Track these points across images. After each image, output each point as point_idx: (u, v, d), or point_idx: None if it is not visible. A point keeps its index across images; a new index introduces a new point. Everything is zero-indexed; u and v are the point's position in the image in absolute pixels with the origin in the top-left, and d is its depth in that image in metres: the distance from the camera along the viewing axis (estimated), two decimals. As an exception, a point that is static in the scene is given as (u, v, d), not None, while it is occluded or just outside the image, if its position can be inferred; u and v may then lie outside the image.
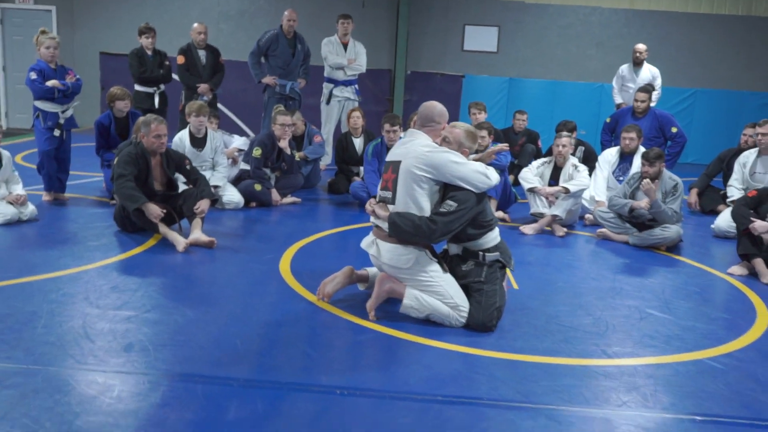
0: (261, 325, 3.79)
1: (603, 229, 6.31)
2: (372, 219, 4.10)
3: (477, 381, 3.26)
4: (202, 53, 8.32)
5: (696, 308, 4.53)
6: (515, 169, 8.05)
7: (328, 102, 8.90)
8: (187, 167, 5.64)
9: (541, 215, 6.45)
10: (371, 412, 2.89)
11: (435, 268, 3.94)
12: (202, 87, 8.21)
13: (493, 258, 4.04)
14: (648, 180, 6.02)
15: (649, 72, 9.42)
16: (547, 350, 3.68)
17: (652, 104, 9.27)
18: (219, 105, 8.99)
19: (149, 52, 8.11)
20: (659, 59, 11.99)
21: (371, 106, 11.93)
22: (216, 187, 6.56)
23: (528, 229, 6.38)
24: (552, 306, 4.41)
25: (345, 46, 8.89)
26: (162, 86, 8.20)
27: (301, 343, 3.59)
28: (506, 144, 5.15)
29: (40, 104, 6.33)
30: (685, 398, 3.19)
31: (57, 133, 6.37)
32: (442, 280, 3.92)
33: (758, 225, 5.25)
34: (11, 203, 5.64)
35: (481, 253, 4.05)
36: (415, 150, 3.92)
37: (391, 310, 4.08)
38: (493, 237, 4.08)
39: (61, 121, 6.40)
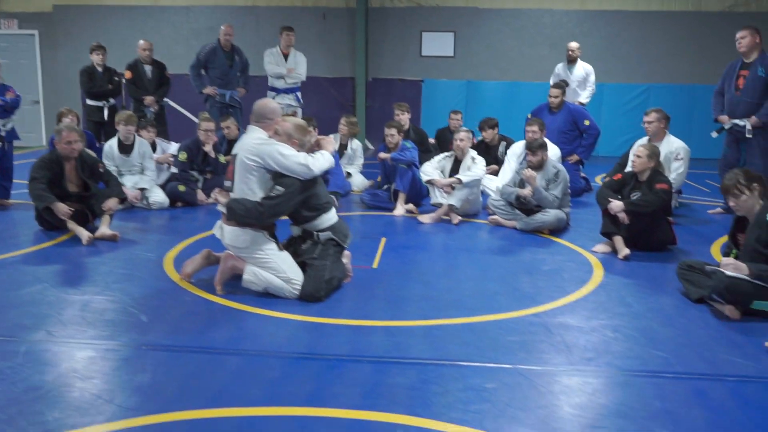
0: (121, 297, 4.34)
1: (494, 216, 6.74)
2: (218, 206, 4.62)
3: (294, 339, 3.76)
4: (148, 68, 8.97)
5: (532, 277, 4.95)
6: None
7: (271, 109, 9.44)
8: (101, 170, 6.23)
9: (440, 205, 6.89)
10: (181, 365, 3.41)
11: (271, 246, 4.45)
12: (148, 99, 8.84)
13: (326, 237, 4.54)
14: (528, 169, 6.45)
15: (582, 69, 9.79)
16: (364, 315, 4.13)
17: (585, 101, 9.70)
18: (187, 114, 9.51)
19: (99, 69, 8.79)
20: (612, 57, 12.37)
21: (335, 113, 12.42)
22: (143, 189, 7.16)
23: (426, 218, 6.84)
24: (397, 280, 4.87)
25: (286, 56, 9.44)
26: (111, 100, 8.85)
27: (145, 311, 4.12)
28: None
29: (-19, 119, 6.99)
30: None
31: (-1, 145, 7.03)
32: (276, 257, 4.43)
33: (613, 205, 5.64)
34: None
35: (315, 233, 4.55)
36: (248, 143, 4.45)
37: (237, 284, 4.58)
38: (328, 218, 4.58)
39: (2, 133, 7.06)
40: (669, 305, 4.44)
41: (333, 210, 4.65)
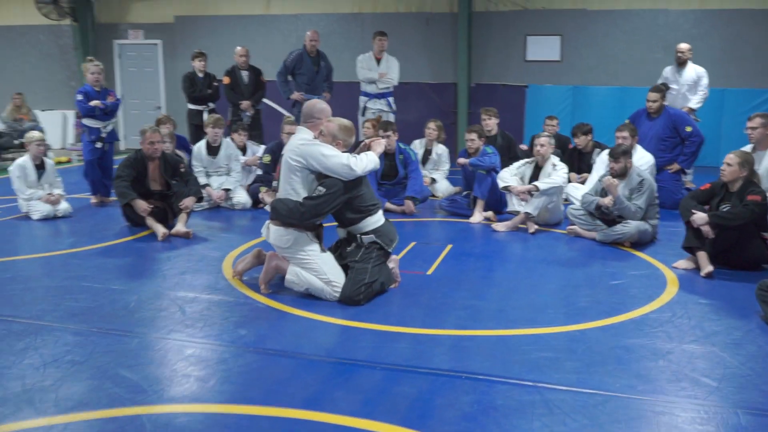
0: (176, 292, 4.49)
1: (573, 226, 6.38)
2: (265, 206, 4.68)
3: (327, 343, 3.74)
4: (244, 73, 9.30)
5: (594, 291, 4.61)
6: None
7: (362, 114, 9.51)
8: (182, 170, 6.51)
9: (517, 213, 6.62)
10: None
11: (313, 248, 4.44)
12: (245, 104, 9.16)
13: (369, 240, 4.47)
14: (609, 176, 6.06)
15: (693, 72, 9.12)
16: (399, 322, 4.02)
17: (696, 106, 9.03)
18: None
19: (200, 75, 9.21)
20: (733, 60, 11.45)
21: (438, 118, 12.32)
22: (227, 190, 7.40)
23: (500, 226, 6.59)
24: (446, 287, 4.70)
25: (378, 61, 9.47)
26: (211, 104, 9.26)
27: (195, 308, 4.23)
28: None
29: (85, 121, 7.53)
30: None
31: (99, 145, 7.53)
32: (318, 258, 4.41)
33: (696, 217, 5.17)
34: (47, 202, 6.79)
35: (359, 236, 4.49)
36: (293, 143, 4.47)
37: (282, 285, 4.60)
38: (373, 222, 4.51)
39: (103, 135, 7.56)
40: (741, 329, 3.98)
41: (379, 213, 4.57)
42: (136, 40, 14.22)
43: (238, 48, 9.33)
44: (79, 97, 7.45)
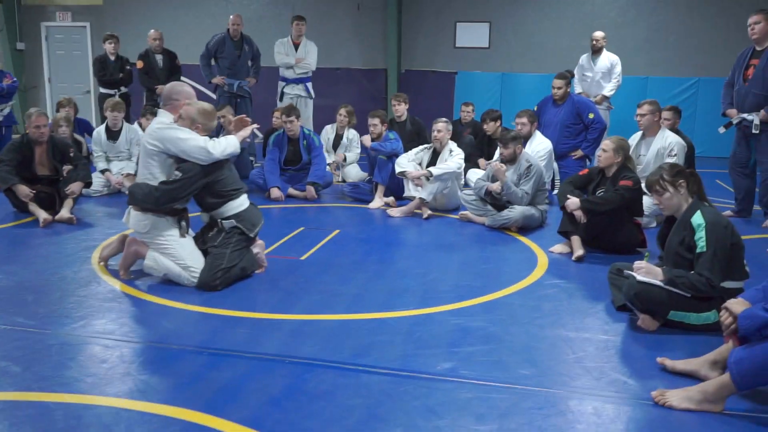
0: (31, 278, 4.40)
1: (465, 212, 6.42)
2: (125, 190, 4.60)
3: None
4: (159, 57, 9.15)
5: (460, 276, 4.64)
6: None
7: (280, 99, 9.43)
8: (71, 155, 6.37)
9: (413, 198, 6.64)
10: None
11: (172, 232, 4.38)
12: (159, 88, 8.99)
13: (230, 224, 4.43)
14: (497, 162, 6.10)
15: (607, 60, 9.23)
16: (250, 307, 4.00)
17: (609, 93, 9.15)
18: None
19: (112, 58, 9.03)
20: (657, 48, 11.63)
21: (368, 104, 12.28)
22: (130, 174, 7.28)
23: (395, 211, 6.61)
24: (314, 273, 4.69)
25: (296, 46, 9.39)
26: (123, 88, 9.08)
27: (46, 295, 4.14)
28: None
29: (-20, 104, 7.33)
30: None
31: (-6, 129, 7.35)
32: (176, 243, 4.36)
33: (569, 202, 5.24)
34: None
35: (220, 220, 4.45)
36: (150, 127, 4.40)
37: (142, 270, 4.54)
38: (235, 206, 4.47)
39: (0, 118, 7.36)
40: (583, 313, 4.04)
41: (242, 197, 4.53)
42: (64, 23, 13.90)
43: (152, 31, 9.18)
44: (-27, 80, 7.25)
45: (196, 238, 4.58)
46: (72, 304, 4.01)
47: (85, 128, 7.93)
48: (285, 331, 3.67)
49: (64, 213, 5.98)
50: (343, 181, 8.20)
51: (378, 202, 6.99)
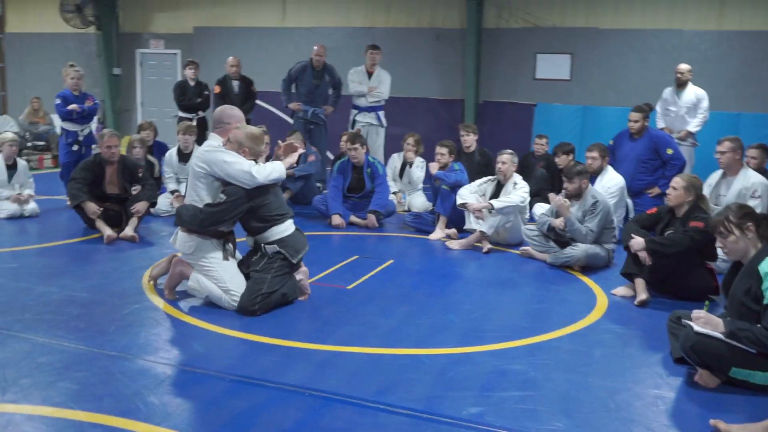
0: (80, 294, 4.50)
1: (526, 247, 6.16)
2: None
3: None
4: (235, 83, 9.38)
5: (507, 315, 4.41)
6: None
7: (352, 127, 9.46)
8: (139, 175, 6.56)
9: (474, 231, 6.45)
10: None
11: (215, 255, 4.38)
12: (233, 113, 9.20)
13: (272, 250, 4.39)
14: (559, 197, 5.84)
15: (693, 94, 8.76)
16: (284, 335, 3.92)
17: (695, 129, 8.68)
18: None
19: (191, 83, 9.34)
20: (750, 83, 10.99)
21: (443, 134, 12.15)
22: (179, 195, 7.35)
23: (454, 244, 6.42)
24: (356, 303, 4.57)
25: (370, 74, 9.42)
26: (201, 113, 9.36)
27: (88, 310, 4.22)
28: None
29: (63, 124, 7.69)
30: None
31: (75, 148, 7.68)
32: (219, 266, 4.35)
33: (634, 242, 4.92)
34: (15, 201, 6.93)
35: (263, 245, 4.42)
36: (199, 150, 4.44)
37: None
38: (279, 231, 4.43)
39: (80, 138, 7.70)
40: (636, 364, 3.73)
41: (287, 223, 4.48)
42: (157, 50, 14.56)
43: (230, 58, 9.42)
44: (58, 100, 7.63)
45: (241, 262, 4.56)
46: (112, 320, 4.05)
47: (163, 151, 8.17)
48: (313, 361, 3.56)
49: (128, 231, 6.14)
50: (408, 210, 8.08)
51: (439, 233, 6.83)
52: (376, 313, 4.38)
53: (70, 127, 7.67)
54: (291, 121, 10.05)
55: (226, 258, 4.41)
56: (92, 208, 6.17)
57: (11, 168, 7.10)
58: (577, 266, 5.71)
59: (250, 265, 4.46)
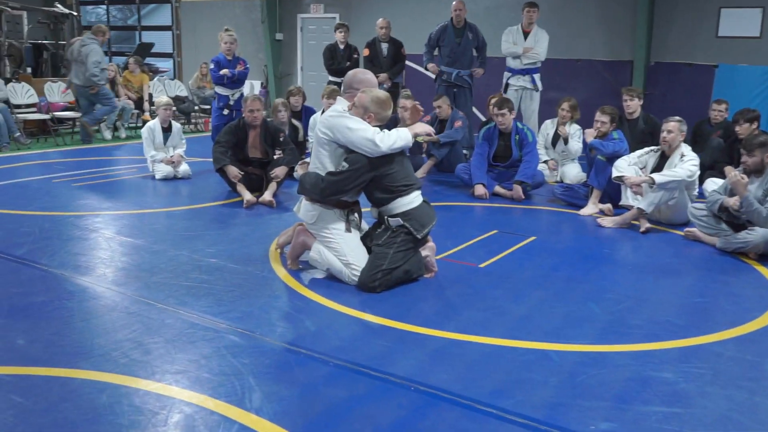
0: (208, 259, 4.51)
1: (692, 229, 5.40)
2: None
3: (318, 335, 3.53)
4: (384, 46, 9.14)
5: (659, 309, 3.82)
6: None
7: (504, 91, 8.91)
8: (281, 139, 6.54)
9: (630, 207, 5.77)
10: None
11: (338, 226, 4.17)
12: (381, 77, 9.00)
13: (396, 223, 4.10)
14: (736, 171, 5.02)
15: None
16: (398, 316, 3.64)
17: None
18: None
19: (341, 46, 9.23)
20: None
21: (607, 100, 11.25)
22: (305, 162, 7.23)
23: (607, 221, 5.79)
24: (485, 285, 4.19)
25: (526, 35, 8.78)
26: (350, 76, 9.23)
27: (209, 277, 4.20)
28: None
29: (216, 88, 7.88)
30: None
31: (226, 112, 7.84)
32: (341, 237, 4.14)
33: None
34: (168, 163, 7.21)
35: (387, 218, 4.15)
36: (324, 115, 4.22)
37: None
38: (405, 203, 4.13)
39: (231, 102, 7.86)
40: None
41: (413, 194, 4.15)
42: (316, 14, 14.68)
43: (380, 20, 9.19)
44: (211, 65, 7.80)
45: (366, 235, 4.31)
46: (229, 289, 3.97)
47: (310, 115, 8.14)
48: (427, 350, 3.24)
49: (267, 196, 6.14)
50: (560, 181, 7.46)
51: (591, 208, 6.20)
52: (505, 297, 3.97)
53: (222, 91, 7.84)
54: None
55: (348, 229, 4.18)
56: (233, 171, 6.22)
57: (166, 131, 7.36)
58: (752, 254, 4.91)
59: (374, 238, 4.19)
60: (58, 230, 5.12)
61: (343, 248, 4.10)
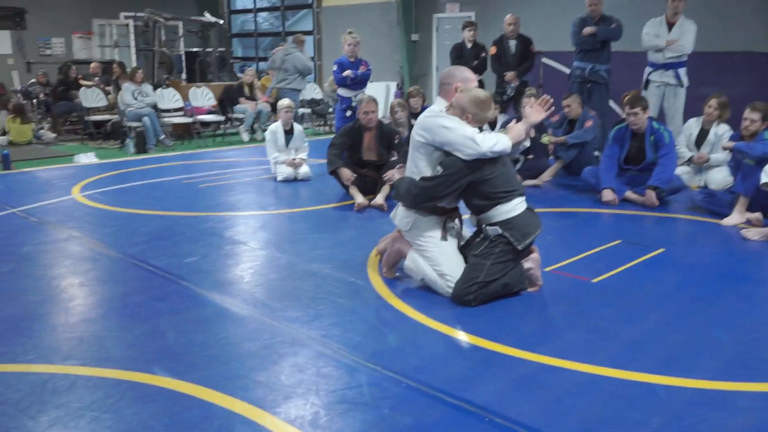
0: (306, 264, 4.46)
1: None
2: (399, 184, 4.28)
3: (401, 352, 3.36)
4: (512, 43, 8.74)
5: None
6: None
7: (645, 87, 8.21)
8: (395, 142, 6.40)
9: (784, 219, 5.06)
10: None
11: (434, 234, 3.94)
12: (509, 75, 8.64)
13: (494, 232, 3.80)
14: None
15: None
16: (488, 334, 3.36)
17: None
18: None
19: (469, 45, 8.96)
20: None
21: (762, 97, 10.16)
22: (401, 166, 6.99)
23: (754, 233, 5.10)
24: (595, 304, 3.78)
25: (671, 26, 8.04)
26: (478, 76, 8.92)
27: (305, 280, 4.14)
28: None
29: (339, 90, 7.89)
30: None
31: (348, 113, 7.83)
32: (436, 246, 3.91)
33: None
34: (290, 165, 7.29)
35: (485, 226, 3.86)
36: (421, 116, 4.00)
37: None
38: (505, 211, 3.83)
39: (353, 104, 7.82)
40: None
41: (515, 201, 3.82)
42: (452, 13, 14.45)
43: (507, 16, 8.82)
44: (335, 67, 7.82)
45: (466, 245, 4.04)
46: (320, 298, 3.86)
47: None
48: (514, 375, 2.93)
49: (378, 199, 6.02)
50: (704, 186, 6.72)
51: (736, 217, 5.51)
52: (616, 318, 3.54)
53: (344, 93, 7.84)
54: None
55: (444, 238, 3.93)
56: (346, 174, 6.16)
57: (288, 133, 7.45)
58: None
59: (471, 248, 3.91)
60: (173, 231, 5.28)
61: (438, 257, 3.86)
